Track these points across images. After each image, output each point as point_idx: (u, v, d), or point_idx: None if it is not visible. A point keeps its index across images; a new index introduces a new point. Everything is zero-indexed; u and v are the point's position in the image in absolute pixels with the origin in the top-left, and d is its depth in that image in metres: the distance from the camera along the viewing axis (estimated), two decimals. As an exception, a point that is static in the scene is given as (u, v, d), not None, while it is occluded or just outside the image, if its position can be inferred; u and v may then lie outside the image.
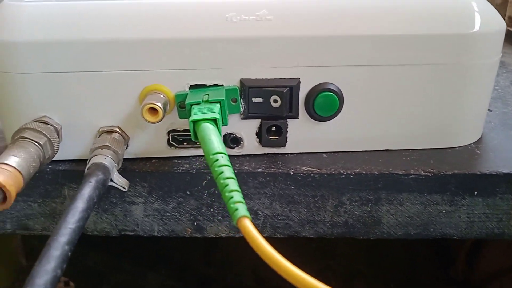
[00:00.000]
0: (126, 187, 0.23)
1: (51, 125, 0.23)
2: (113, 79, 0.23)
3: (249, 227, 0.16)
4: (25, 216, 0.26)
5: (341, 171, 0.24)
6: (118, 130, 0.24)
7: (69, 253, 0.17)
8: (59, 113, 0.24)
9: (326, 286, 0.14)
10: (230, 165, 0.18)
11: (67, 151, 0.24)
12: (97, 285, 0.59)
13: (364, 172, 0.24)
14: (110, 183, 0.22)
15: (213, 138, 0.19)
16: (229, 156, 0.26)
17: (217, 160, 0.18)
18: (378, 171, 0.24)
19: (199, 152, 0.26)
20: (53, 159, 0.24)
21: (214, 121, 0.20)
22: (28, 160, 0.21)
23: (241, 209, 0.16)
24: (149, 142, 0.25)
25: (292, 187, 0.25)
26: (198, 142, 0.24)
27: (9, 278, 0.63)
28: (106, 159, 0.22)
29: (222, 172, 0.18)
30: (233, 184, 0.17)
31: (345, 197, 0.25)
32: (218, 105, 0.22)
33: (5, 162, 0.20)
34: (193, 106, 0.22)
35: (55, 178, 0.25)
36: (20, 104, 0.24)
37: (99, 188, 0.20)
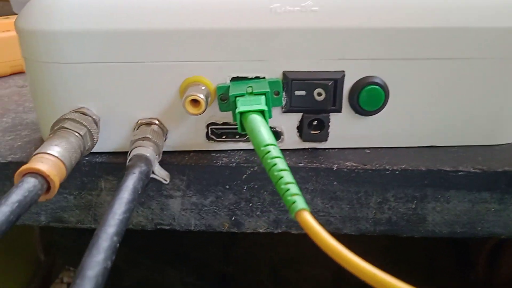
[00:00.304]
0: (168, 180, 0.22)
1: (89, 116, 0.23)
2: (154, 70, 0.23)
3: (309, 220, 0.15)
4: (60, 208, 0.25)
5: (387, 167, 0.24)
6: (157, 122, 0.24)
7: (117, 245, 0.17)
8: (97, 104, 0.23)
9: (396, 280, 0.13)
10: (282, 156, 0.18)
11: (104, 143, 0.24)
12: (117, 281, 0.58)
13: (410, 168, 0.23)
14: (152, 175, 0.21)
15: (263, 130, 0.19)
16: (268, 150, 0.25)
17: (269, 152, 0.17)
18: (425, 167, 0.23)
19: (238, 146, 0.25)
20: (90, 151, 0.23)
21: (261, 112, 0.20)
22: (70, 150, 0.20)
23: (300, 202, 0.16)
24: (188, 135, 0.25)
25: (335, 183, 0.24)
26: (245, 134, 0.24)
27: (28, 273, 0.63)
28: (148, 150, 0.21)
29: (275, 164, 0.17)
30: (288, 176, 0.17)
31: (390, 194, 0.24)
32: (263, 97, 0.21)
33: (48, 151, 0.19)
34: (237, 98, 0.21)
35: (92, 170, 0.24)
36: (58, 94, 0.23)
37: (143, 180, 0.20)
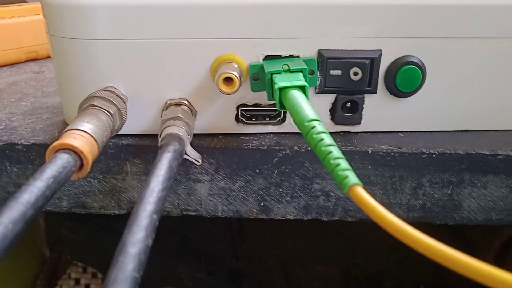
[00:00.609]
0: (200, 161, 0.21)
1: (117, 95, 0.22)
2: (185, 47, 0.22)
3: (364, 195, 0.14)
4: (83, 193, 0.25)
5: (423, 150, 0.23)
6: (187, 103, 0.23)
7: (157, 223, 0.16)
8: (126, 83, 0.23)
9: (458, 252, 0.12)
10: (327, 132, 0.17)
11: (131, 125, 0.23)
12: (126, 277, 0.57)
13: (448, 152, 0.23)
14: (184, 156, 0.21)
15: (305, 105, 0.18)
16: (298, 134, 0.24)
17: (314, 127, 0.17)
18: (463, 150, 0.23)
19: (267, 129, 0.24)
20: (119, 131, 0.22)
21: (301, 89, 0.19)
22: (101, 128, 0.19)
23: (352, 177, 0.15)
24: (217, 117, 0.24)
25: (369, 167, 0.23)
26: (275, 116, 0.23)
27: (33, 269, 0.62)
28: (180, 130, 0.21)
29: (322, 139, 0.16)
30: (336, 151, 0.16)
31: (425, 179, 0.23)
32: (301, 73, 0.20)
33: (80, 128, 0.18)
34: (274, 75, 0.20)
35: (117, 153, 0.23)
36: (86, 73, 0.22)
37: (177, 159, 0.19)
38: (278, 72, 0.21)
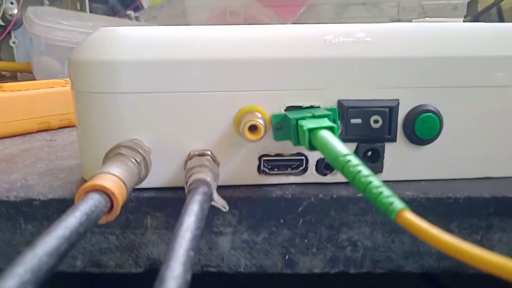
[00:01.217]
0: (227, 207, 0.21)
1: (142, 146, 0.22)
2: (210, 100, 0.23)
3: (414, 220, 0.14)
4: (99, 251, 0.24)
5: (449, 195, 0.23)
6: (210, 154, 0.23)
7: (193, 260, 0.15)
8: (149, 136, 0.23)
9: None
10: (363, 163, 0.17)
11: (152, 178, 0.23)
12: None
13: (474, 196, 0.23)
14: (211, 203, 0.20)
15: (337, 142, 0.18)
16: (321, 184, 0.24)
17: (349, 160, 0.17)
18: (489, 194, 0.23)
19: (289, 179, 0.24)
20: (136, 187, 0.22)
21: (331, 129, 0.19)
22: (129, 173, 0.19)
23: (397, 202, 0.15)
24: (239, 168, 0.24)
25: (396, 214, 0.23)
26: (297, 166, 0.23)
27: None
28: (208, 175, 0.20)
29: (360, 171, 0.16)
30: (376, 180, 0.16)
31: (454, 225, 0.23)
32: (326, 118, 0.21)
33: (109, 171, 0.18)
34: (299, 121, 0.21)
35: (138, 206, 0.23)
36: (110, 126, 0.23)
37: (208, 201, 0.19)
38: (303, 118, 0.21)
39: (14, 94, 0.36)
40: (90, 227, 0.15)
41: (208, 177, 0.20)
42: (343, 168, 0.17)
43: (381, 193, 0.15)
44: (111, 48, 0.22)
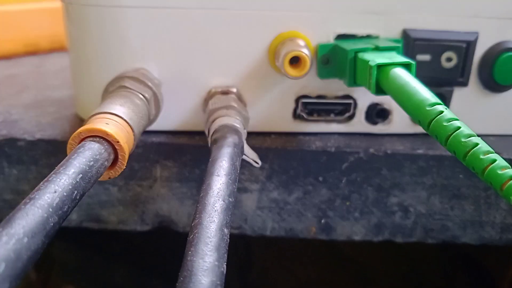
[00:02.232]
0: (259, 162, 0.17)
1: (152, 78, 0.17)
2: (239, 21, 0.17)
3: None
4: (99, 204, 0.20)
5: (528, 156, 0.18)
6: (235, 92, 0.18)
7: (228, 241, 0.11)
8: (160, 65, 0.18)
9: None
10: (458, 118, 0.12)
11: (163, 119, 0.18)
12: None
13: (559, 158, 0.18)
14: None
15: (420, 85, 0.13)
16: (369, 135, 0.20)
17: (441, 112, 0.12)
18: None
19: (332, 127, 0.20)
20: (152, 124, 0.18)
21: (406, 66, 0.15)
22: (137, 113, 0.15)
23: (521, 178, 0.10)
24: (271, 111, 0.19)
25: (461, 176, 0.19)
26: (342, 112, 0.19)
27: (17, 294, 0.56)
28: (236, 121, 0.16)
29: (459, 128, 0.12)
30: (484, 144, 0.11)
31: (528, 192, 0.19)
32: (395, 52, 0.16)
33: (112, 111, 0.14)
34: (359, 54, 0.16)
35: (146, 153, 0.19)
36: (110, 50, 0.18)
37: (239, 156, 0.14)
38: (364, 50, 0.16)
39: (-6, 8, 0.31)
40: (87, 189, 0.11)
41: (238, 123, 0.16)
42: (432, 122, 0.12)
43: (494, 161, 0.11)
44: None
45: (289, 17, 0.18)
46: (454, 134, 0.12)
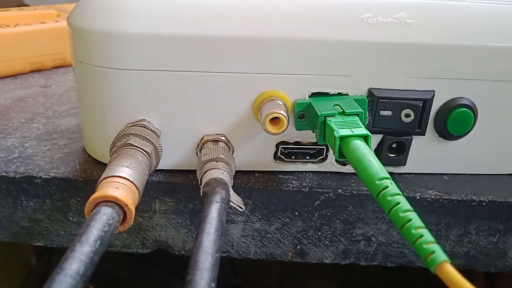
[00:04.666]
0: (243, 207, 0.20)
1: (151, 130, 0.20)
2: (227, 82, 0.20)
3: (456, 275, 0.13)
4: (106, 231, 0.23)
5: (473, 198, 0.22)
6: (224, 139, 0.21)
7: (214, 292, 0.14)
8: (159, 117, 0.21)
9: None
10: (401, 193, 0.15)
11: (162, 161, 0.21)
12: (121, 292, 0.55)
13: (498, 200, 0.22)
14: (228, 203, 0.19)
15: (373, 160, 0.16)
16: (339, 174, 0.23)
17: (387, 187, 0.15)
18: (514, 199, 0.22)
19: (307, 167, 0.23)
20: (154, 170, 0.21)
21: (364, 138, 0.18)
22: (141, 171, 0.18)
23: (439, 252, 0.13)
24: (255, 154, 0.22)
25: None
26: (316, 154, 0.22)
27: (19, 278, 0.59)
28: (224, 173, 0.19)
29: (398, 203, 0.15)
30: (417, 219, 0.14)
31: (472, 226, 0.22)
32: (357, 118, 0.19)
33: (120, 175, 0.17)
34: (328, 118, 0.19)
35: (147, 190, 0.22)
36: (115, 104, 0.21)
37: (225, 210, 0.17)
38: (332, 115, 0.19)
39: (4, 31, 0.33)
40: (104, 251, 0.14)
41: (225, 176, 0.19)
42: (378, 194, 0.15)
43: (422, 236, 0.14)
44: (118, 18, 0.19)
45: (269, 78, 0.20)
46: (394, 208, 0.15)
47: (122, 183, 0.16)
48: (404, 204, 0.15)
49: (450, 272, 0.13)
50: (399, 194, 0.15)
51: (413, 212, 0.15)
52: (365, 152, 0.17)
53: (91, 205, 0.16)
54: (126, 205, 0.16)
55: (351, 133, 0.17)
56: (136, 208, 0.21)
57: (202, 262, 0.15)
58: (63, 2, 0.47)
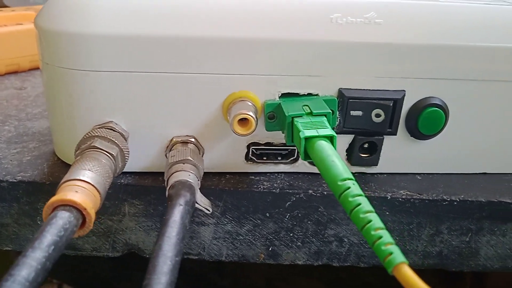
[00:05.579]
0: (210, 209, 0.19)
1: (118, 132, 0.20)
2: (196, 82, 0.20)
3: (412, 277, 0.13)
4: (75, 234, 0.22)
5: (444, 197, 0.22)
6: (194, 141, 0.21)
7: (173, 297, 0.14)
8: (128, 119, 0.21)
9: None
10: (363, 194, 0.15)
11: (131, 162, 0.21)
12: (105, 295, 0.55)
13: (469, 199, 0.22)
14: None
15: (337, 161, 0.16)
16: (311, 174, 0.23)
17: (349, 188, 0.15)
18: (485, 198, 0.22)
19: (279, 168, 0.23)
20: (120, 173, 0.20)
21: (329, 139, 0.17)
22: (103, 174, 0.17)
23: (397, 254, 0.13)
24: (225, 155, 0.22)
25: (387, 213, 0.22)
26: (288, 155, 0.22)
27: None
28: (190, 176, 0.19)
29: (359, 204, 0.15)
30: (377, 220, 0.14)
31: (444, 226, 0.22)
32: (324, 118, 0.19)
33: (81, 178, 0.16)
34: (295, 119, 0.19)
35: (115, 193, 0.21)
36: (83, 106, 0.20)
37: (189, 212, 0.17)
38: (300, 115, 0.19)
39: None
40: (58, 256, 0.14)
41: (191, 178, 0.19)
42: (340, 195, 0.15)
43: (380, 237, 0.14)
44: (84, 19, 0.19)
45: (239, 79, 0.20)
46: (355, 209, 0.15)
47: (83, 186, 0.16)
48: (365, 205, 0.15)
49: (406, 273, 0.13)
50: (360, 195, 0.15)
51: (373, 213, 0.15)
52: (329, 153, 0.16)
53: (49, 209, 0.15)
54: (85, 209, 0.15)
55: (316, 134, 0.17)
56: (97, 212, 0.21)
57: (160, 266, 0.14)
58: (44, 3, 0.46)
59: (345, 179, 0.15)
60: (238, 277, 0.62)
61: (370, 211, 0.14)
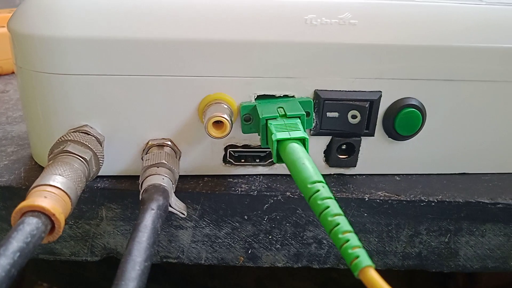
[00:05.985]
0: (185, 213, 0.19)
1: (93, 136, 0.20)
2: (171, 85, 0.20)
3: (378, 281, 0.13)
4: (53, 239, 0.22)
5: (422, 198, 0.22)
6: (170, 144, 0.21)
7: (141, 302, 0.14)
8: (103, 122, 0.20)
9: None
10: (333, 197, 0.15)
11: (107, 166, 0.21)
12: (94, 298, 0.54)
13: (447, 200, 0.22)
14: (169, 209, 0.19)
15: (307, 164, 0.16)
16: (289, 176, 0.23)
17: (318, 191, 0.15)
18: (463, 198, 0.22)
19: (257, 170, 0.23)
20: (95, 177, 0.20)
21: (301, 141, 0.17)
22: (75, 180, 0.17)
23: (364, 257, 0.13)
24: (203, 158, 0.22)
25: (365, 215, 0.22)
26: (266, 157, 0.22)
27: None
28: (164, 179, 0.19)
29: (328, 207, 0.15)
30: (345, 223, 0.14)
31: (423, 227, 0.22)
32: (298, 120, 0.19)
33: (50, 183, 0.16)
34: (269, 121, 0.19)
35: (92, 197, 0.21)
36: (57, 110, 0.20)
37: (161, 216, 0.17)
38: (274, 118, 0.19)
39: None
40: (24, 263, 0.14)
41: (165, 182, 0.19)
42: (310, 197, 0.15)
43: (347, 240, 0.14)
44: (56, 22, 0.19)
45: (214, 81, 0.20)
46: (324, 212, 0.15)
47: (52, 191, 0.16)
48: (334, 208, 0.15)
49: (372, 277, 0.13)
50: (330, 198, 0.15)
51: (342, 216, 0.14)
52: (300, 155, 0.16)
53: (18, 215, 0.15)
54: (54, 214, 0.15)
55: (288, 136, 0.17)
56: (74, 217, 0.21)
57: (128, 271, 0.14)
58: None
59: (314, 182, 0.15)
60: (228, 278, 0.62)
61: (339, 214, 0.14)
